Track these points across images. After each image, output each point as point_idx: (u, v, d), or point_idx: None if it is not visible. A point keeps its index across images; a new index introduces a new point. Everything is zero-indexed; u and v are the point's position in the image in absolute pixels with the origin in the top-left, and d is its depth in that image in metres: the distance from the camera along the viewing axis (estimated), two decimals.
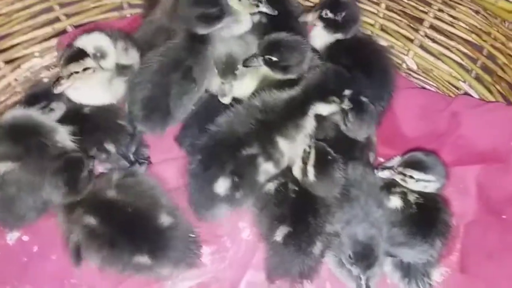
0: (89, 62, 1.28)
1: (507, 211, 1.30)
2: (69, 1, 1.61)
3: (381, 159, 1.43)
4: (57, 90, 1.27)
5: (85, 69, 1.27)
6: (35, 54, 1.58)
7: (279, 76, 1.34)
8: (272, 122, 1.22)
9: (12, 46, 1.54)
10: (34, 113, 1.29)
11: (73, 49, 1.30)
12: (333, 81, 1.25)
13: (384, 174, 1.27)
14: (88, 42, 1.31)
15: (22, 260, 1.27)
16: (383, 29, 1.68)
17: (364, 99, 1.28)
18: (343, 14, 1.39)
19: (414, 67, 1.63)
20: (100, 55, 1.30)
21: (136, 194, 1.19)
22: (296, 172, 1.20)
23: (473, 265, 1.29)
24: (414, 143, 1.41)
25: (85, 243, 1.13)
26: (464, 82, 1.54)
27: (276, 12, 1.39)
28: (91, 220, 1.14)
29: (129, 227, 1.14)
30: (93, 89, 1.33)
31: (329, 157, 1.17)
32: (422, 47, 1.61)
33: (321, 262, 1.20)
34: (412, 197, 1.24)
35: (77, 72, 1.27)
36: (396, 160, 1.28)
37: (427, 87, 1.63)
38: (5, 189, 1.22)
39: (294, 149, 1.22)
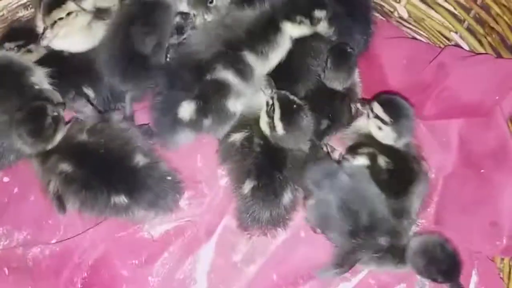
0: (71, 5, 1.24)
1: (486, 165, 1.30)
2: None
3: None
4: (44, 42, 1.25)
5: (68, 14, 1.24)
6: None
7: None
8: (239, 38, 1.18)
9: None
10: (10, 53, 1.27)
11: None
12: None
13: (362, 111, 1.26)
14: None
15: (3, 201, 1.30)
16: None
17: (343, 45, 1.26)
18: None
19: (405, 16, 1.57)
20: None
21: (108, 136, 1.18)
22: (264, 127, 1.18)
23: (447, 217, 1.31)
24: (399, 94, 1.38)
25: (63, 189, 1.14)
26: (456, 33, 1.49)
27: None
28: (65, 166, 1.14)
29: (103, 169, 1.15)
30: (75, 35, 1.30)
31: (295, 106, 1.14)
32: None
33: (293, 211, 1.21)
34: (382, 161, 1.22)
35: (60, 19, 1.23)
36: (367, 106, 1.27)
37: (418, 37, 1.58)
38: None
39: (267, 66, 1.20)
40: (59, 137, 1.17)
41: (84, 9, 1.27)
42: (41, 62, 1.31)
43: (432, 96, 1.35)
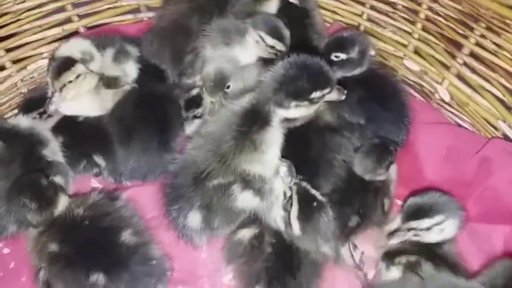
0: (80, 67, 1.23)
1: None
2: (82, 1, 1.54)
3: (399, 202, 1.28)
4: (52, 107, 1.24)
5: (77, 76, 1.22)
6: (43, 55, 1.52)
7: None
8: (228, 145, 1.05)
9: (21, 46, 1.49)
10: (35, 123, 1.27)
11: (59, 59, 1.25)
12: (296, 81, 1.03)
13: (395, 240, 1.10)
14: (72, 48, 1.28)
15: None
16: (416, 51, 1.51)
17: (385, 140, 1.15)
18: (356, 49, 1.27)
19: (447, 99, 1.44)
20: (89, 58, 1.26)
21: (100, 211, 1.12)
22: (278, 222, 1.06)
23: None
24: (436, 188, 1.24)
25: (50, 274, 1.06)
26: (504, 122, 1.33)
27: None
28: (54, 246, 1.07)
29: (88, 244, 1.08)
30: (83, 98, 1.28)
31: (315, 203, 1.02)
32: (458, 76, 1.42)
33: None
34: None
35: (70, 82, 1.22)
36: (397, 219, 1.13)
37: (460, 122, 1.45)
38: None
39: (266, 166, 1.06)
40: (62, 201, 1.11)
41: (92, 71, 1.26)
42: (54, 129, 1.29)
43: (474, 195, 1.20)
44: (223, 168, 1.03)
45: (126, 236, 1.09)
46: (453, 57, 1.41)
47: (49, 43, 1.52)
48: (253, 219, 1.10)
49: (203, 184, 1.04)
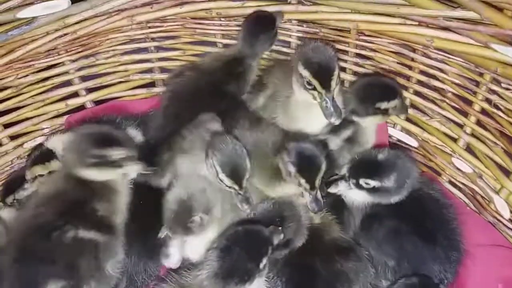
0: (55, 164, 1.13)
1: None
2: (91, 74, 1.42)
3: None
4: (19, 196, 1.15)
5: (50, 172, 1.12)
6: (44, 131, 1.40)
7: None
8: None
9: (20, 121, 1.38)
10: None
11: (41, 150, 1.17)
12: None
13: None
14: (59, 142, 1.15)
15: None
16: (469, 149, 1.25)
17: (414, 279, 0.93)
18: (393, 177, 1.03)
19: (507, 214, 1.16)
20: None
21: None
22: None
23: None
24: None
25: None
26: None
27: None
28: None
29: None
30: None
31: None
32: None
33: None
34: None
35: (41, 175, 1.12)
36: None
37: None
38: None
39: None
40: None
41: None
42: None
43: None
44: None
45: None
46: None
47: (51, 118, 1.40)
48: None
49: None
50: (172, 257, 1.03)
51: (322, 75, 1.04)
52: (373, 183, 1.04)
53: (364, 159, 1.08)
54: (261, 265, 0.89)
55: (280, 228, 0.95)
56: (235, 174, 1.01)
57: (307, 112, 1.13)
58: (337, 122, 1.06)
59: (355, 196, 1.08)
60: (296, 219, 1.01)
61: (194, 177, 1.05)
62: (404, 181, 1.04)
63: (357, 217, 1.09)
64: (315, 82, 1.04)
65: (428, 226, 1.04)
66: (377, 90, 1.19)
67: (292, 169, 1.00)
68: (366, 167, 1.05)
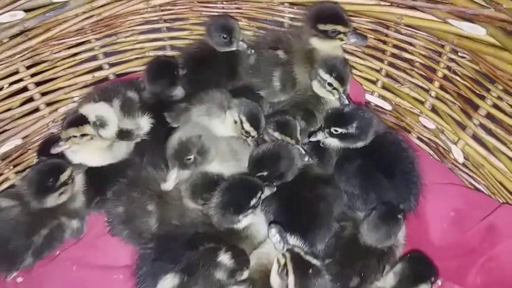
0: (87, 129, 1.29)
1: None
2: (113, 51, 1.66)
3: None
4: (54, 151, 1.31)
5: (82, 135, 1.29)
6: (74, 99, 1.63)
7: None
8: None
9: (54, 90, 1.61)
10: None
11: (76, 114, 1.33)
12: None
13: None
14: (91, 110, 1.32)
15: None
16: (433, 109, 1.49)
17: (382, 207, 1.16)
18: (354, 125, 1.26)
19: (461, 159, 1.41)
20: (99, 124, 1.30)
21: None
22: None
23: None
24: (440, 253, 1.20)
25: None
26: None
27: None
28: None
29: None
30: (91, 154, 1.35)
31: (311, 270, 0.98)
32: (474, 137, 1.39)
33: None
34: None
35: (75, 136, 1.29)
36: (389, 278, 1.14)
37: (475, 184, 1.40)
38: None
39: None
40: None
41: (100, 136, 1.31)
42: None
43: (477, 264, 1.15)
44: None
45: None
46: (470, 117, 1.38)
47: (80, 88, 1.63)
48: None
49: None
50: (168, 183, 1.25)
51: (340, 78, 1.33)
52: (340, 130, 1.26)
53: (333, 113, 1.31)
54: (252, 202, 1.12)
55: (274, 185, 1.19)
56: (257, 124, 1.29)
57: None
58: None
59: (330, 142, 1.31)
60: (290, 158, 1.25)
61: (195, 125, 1.31)
62: (365, 129, 1.26)
63: (333, 159, 1.32)
64: (336, 84, 1.32)
65: (389, 163, 1.26)
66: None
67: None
68: (334, 118, 1.29)
